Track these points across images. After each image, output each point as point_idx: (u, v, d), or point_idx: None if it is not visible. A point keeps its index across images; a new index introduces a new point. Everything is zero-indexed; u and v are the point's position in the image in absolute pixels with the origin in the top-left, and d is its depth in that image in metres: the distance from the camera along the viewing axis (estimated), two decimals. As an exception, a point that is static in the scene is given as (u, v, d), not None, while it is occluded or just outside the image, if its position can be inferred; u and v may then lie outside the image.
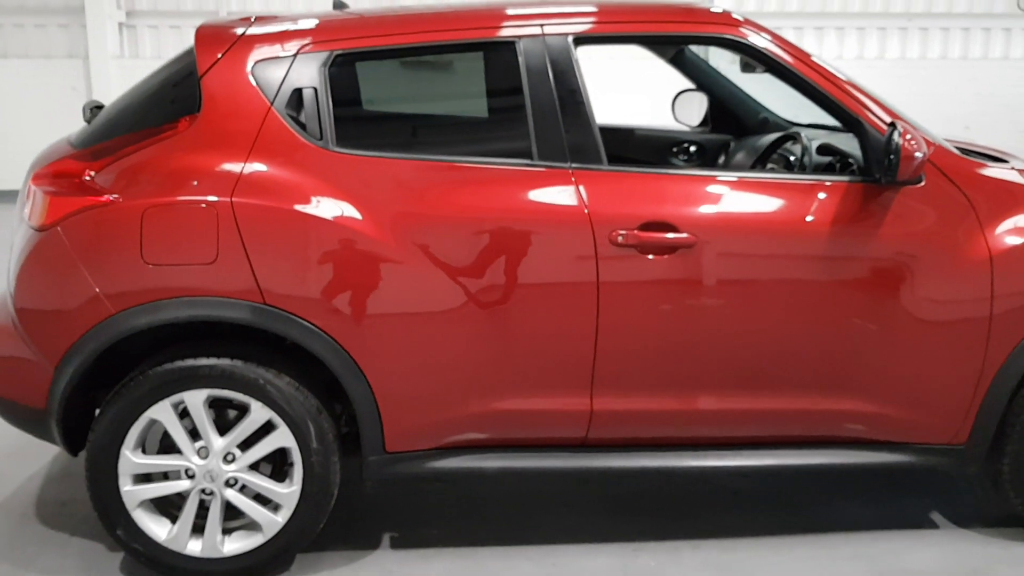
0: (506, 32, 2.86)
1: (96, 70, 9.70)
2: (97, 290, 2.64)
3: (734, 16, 2.94)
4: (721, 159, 4.23)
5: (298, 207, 2.68)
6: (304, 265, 2.69)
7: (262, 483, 2.80)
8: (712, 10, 2.94)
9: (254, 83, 2.77)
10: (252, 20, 2.96)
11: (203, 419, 2.75)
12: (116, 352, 2.77)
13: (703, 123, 4.41)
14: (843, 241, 2.84)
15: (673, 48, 4.09)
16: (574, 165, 2.80)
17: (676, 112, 4.35)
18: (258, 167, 2.70)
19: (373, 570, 2.96)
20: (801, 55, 2.92)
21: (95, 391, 2.94)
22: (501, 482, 3.49)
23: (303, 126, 2.75)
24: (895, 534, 3.19)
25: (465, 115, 3.42)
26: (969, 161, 3.02)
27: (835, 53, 10.29)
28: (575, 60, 2.84)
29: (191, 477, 2.78)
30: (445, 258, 2.73)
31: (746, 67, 3.71)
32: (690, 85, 4.33)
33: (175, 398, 2.72)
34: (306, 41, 2.80)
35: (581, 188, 2.77)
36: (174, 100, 2.91)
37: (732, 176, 2.99)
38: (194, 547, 2.83)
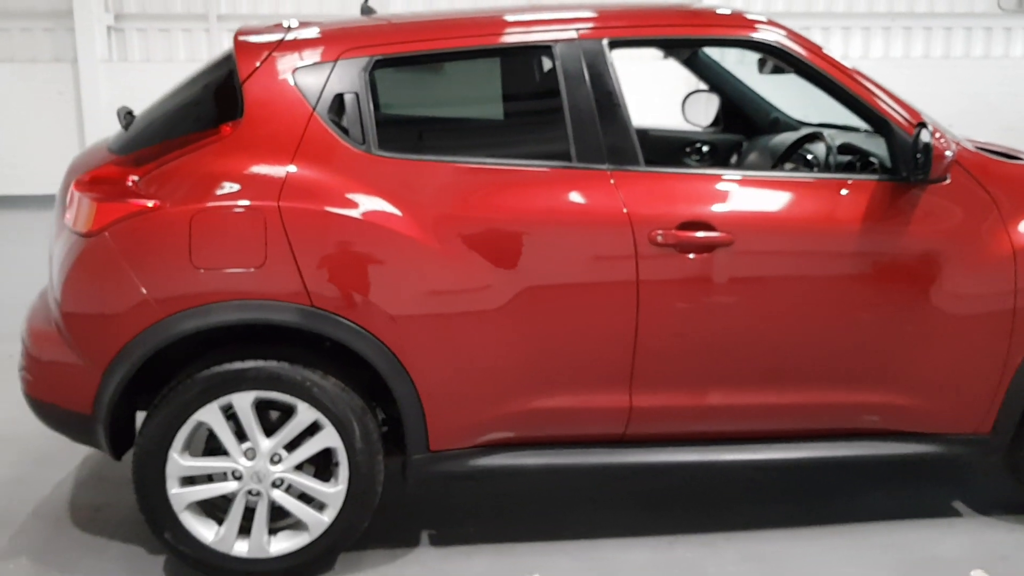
0: (542, 36, 2.91)
1: (84, 74, 9.64)
2: (146, 294, 2.66)
3: (770, 21, 3.01)
4: (733, 159, 4.30)
5: (344, 211, 2.71)
6: (350, 267, 2.72)
7: (309, 483, 2.83)
8: (749, 16, 3.01)
9: (296, 89, 2.80)
10: (289, 26, 2.98)
11: (251, 421, 2.77)
12: (153, 357, 2.78)
13: (715, 123, 4.49)
14: (874, 238, 2.91)
15: (689, 50, 4.15)
16: (612, 166, 2.85)
17: (686, 113, 4.42)
18: (303, 171, 2.73)
19: (416, 567, 3.00)
20: (830, 59, 2.99)
21: (133, 395, 2.96)
22: (531, 480, 3.54)
23: (345, 131, 2.79)
24: (921, 523, 3.27)
25: (504, 118, 3.46)
26: (990, 159, 3.11)
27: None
28: (611, 63, 2.90)
29: (238, 479, 2.81)
30: (488, 259, 2.77)
31: (764, 68, 3.77)
32: (698, 86, 4.40)
33: (223, 401, 2.75)
34: (347, 47, 2.83)
35: (620, 189, 2.83)
36: (214, 106, 2.94)
37: (766, 175, 3.06)
38: (241, 548, 2.85)
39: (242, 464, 2.80)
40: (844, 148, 3.42)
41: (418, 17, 3.08)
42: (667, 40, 3.09)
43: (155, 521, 2.82)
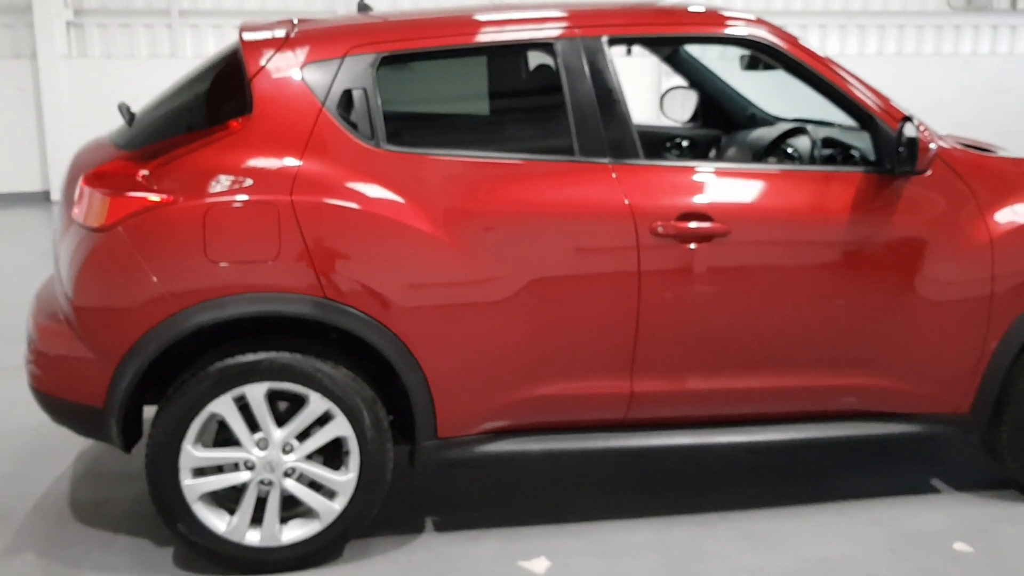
0: (545, 34, 2.99)
1: (44, 70, 9.50)
2: (161, 288, 2.70)
3: (760, 20, 3.13)
4: (712, 153, 4.42)
5: (355, 204, 2.77)
6: (362, 260, 2.78)
7: (322, 472, 2.88)
8: (742, 15, 3.12)
9: (305, 84, 2.84)
10: (295, 22, 3.03)
11: (264, 412, 2.82)
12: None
13: (693, 118, 4.61)
14: (861, 228, 3.05)
15: (670, 47, 4.27)
16: (613, 160, 2.95)
17: (665, 108, 4.54)
18: (314, 166, 2.78)
19: (424, 553, 3.07)
20: (817, 56, 3.12)
21: (141, 389, 2.98)
22: (531, 466, 3.63)
23: (354, 126, 2.84)
24: (904, 499, 3.42)
25: (508, 113, 3.53)
26: (966, 152, 3.27)
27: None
28: (611, 59, 2.99)
29: (250, 468, 2.85)
30: (495, 251, 2.85)
31: (749, 65, 3.89)
32: (668, 83, 4.52)
33: (236, 392, 2.79)
34: (355, 43, 2.89)
35: (621, 181, 2.92)
36: (221, 102, 2.97)
37: (759, 168, 3.18)
38: (253, 537, 2.89)
39: (255, 454, 2.84)
40: (825, 142, 3.56)
41: (422, 14, 3.13)
42: (668, 38, 3.18)
43: (168, 512, 2.85)
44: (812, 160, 3.44)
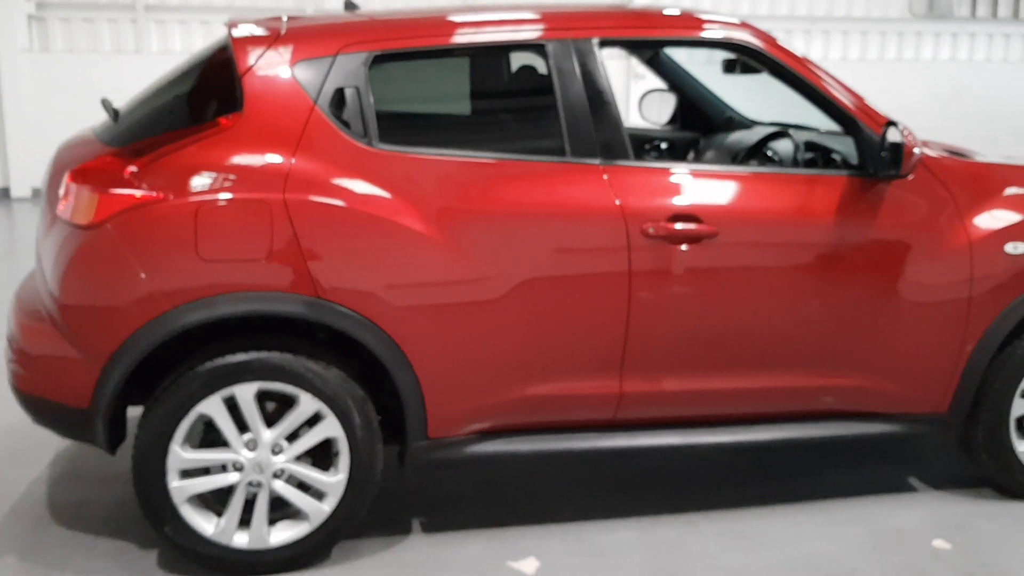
0: (536, 35, 3.01)
1: (5, 64, 9.32)
2: (150, 286, 2.66)
3: (745, 24, 3.17)
4: (690, 156, 4.46)
5: (347, 203, 2.76)
6: (354, 259, 2.77)
7: (311, 473, 2.86)
8: (728, 19, 3.16)
9: (297, 82, 2.82)
10: (285, 19, 3.00)
11: (253, 412, 2.79)
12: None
13: (671, 121, 4.65)
14: (845, 230, 3.10)
15: (651, 51, 4.30)
16: (604, 161, 2.96)
17: (642, 111, 4.58)
18: (306, 164, 2.76)
19: (412, 553, 3.06)
20: (803, 60, 3.17)
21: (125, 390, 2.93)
22: (514, 466, 3.63)
23: (346, 124, 2.83)
24: (882, 498, 3.48)
25: (500, 113, 3.53)
26: (944, 156, 3.34)
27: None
28: (601, 62, 3.01)
29: (239, 470, 2.82)
30: (487, 250, 2.85)
31: (727, 69, 3.93)
32: (650, 86, 4.56)
33: (226, 392, 2.76)
34: (347, 41, 2.87)
35: (612, 183, 2.94)
36: (209, 98, 2.95)
37: (746, 171, 3.21)
38: (241, 540, 2.87)
39: (244, 455, 2.81)
40: (806, 146, 3.61)
41: (412, 13, 3.12)
42: (657, 41, 3.21)
43: (155, 515, 2.81)
44: (795, 163, 3.49)
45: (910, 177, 3.15)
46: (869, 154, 3.14)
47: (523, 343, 2.93)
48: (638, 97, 4.67)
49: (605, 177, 2.94)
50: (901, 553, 3.12)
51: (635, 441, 3.12)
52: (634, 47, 3.64)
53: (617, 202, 2.93)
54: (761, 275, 3.07)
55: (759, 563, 3.04)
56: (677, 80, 4.49)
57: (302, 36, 2.91)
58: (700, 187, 3.05)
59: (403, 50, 2.92)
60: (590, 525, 3.26)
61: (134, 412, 2.94)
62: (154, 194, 2.67)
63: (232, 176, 2.71)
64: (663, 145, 4.51)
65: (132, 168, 2.71)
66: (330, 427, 2.84)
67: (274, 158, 2.75)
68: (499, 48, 3.07)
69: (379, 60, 2.88)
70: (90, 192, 2.69)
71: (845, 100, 3.17)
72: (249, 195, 2.70)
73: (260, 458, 2.82)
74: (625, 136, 2.99)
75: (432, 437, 2.96)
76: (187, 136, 2.78)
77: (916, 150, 3.03)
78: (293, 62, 2.84)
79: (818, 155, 3.58)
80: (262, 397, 2.84)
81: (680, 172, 3.09)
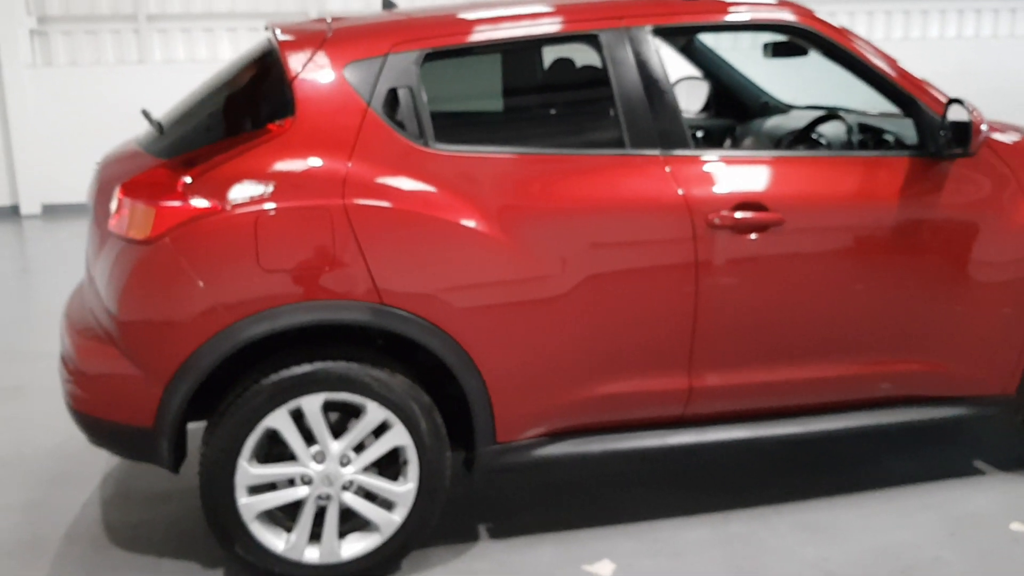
0: (590, 25, 2.93)
1: (8, 80, 9.20)
2: (213, 300, 2.59)
3: (803, 7, 3.10)
4: (727, 142, 4.40)
5: (408, 206, 2.68)
6: (417, 263, 2.69)
7: (381, 484, 2.80)
8: (776, 1, 3.09)
9: (349, 84, 2.75)
10: (330, 21, 2.93)
11: (321, 424, 2.72)
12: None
13: (705, 108, 4.59)
14: (911, 211, 3.03)
15: (686, 38, 4.23)
16: (664, 151, 2.89)
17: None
18: (363, 168, 2.69)
19: (483, 561, 3.00)
20: (861, 42, 3.10)
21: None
22: (570, 468, 3.56)
23: (401, 125, 2.76)
24: (950, 483, 3.42)
25: (555, 107, 3.46)
26: (1004, 133, 3.27)
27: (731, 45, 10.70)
28: (656, 50, 2.93)
29: (307, 483, 2.75)
30: (550, 248, 2.78)
31: (773, 52, 3.86)
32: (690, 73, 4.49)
33: (292, 404, 2.69)
34: (396, 40, 2.80)
35: (674, 173, 2.87)
36: (258, 105, 2.87)
37: (808, 155, 3.14)
38: (312, 555, 2.80)
39: (312, 468, 2.74)
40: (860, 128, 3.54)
41: (454, 9, 3.05)
42: (714, 26, 3.12)
43: (224, 534, 2.75)
44: (849, 146, 3.42)
45: (975, 155, 3.09)
46: (930, 133, 3.07)
47: (589, 341, 2.87)
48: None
49: (667, 169, 2.87)
50: (981, 539, 3.06)
51: (705, 437, 3.05)
52: (689, 33, 3.55)
53: (680, 192, 2.86)
54: (828, 261, 3.00)
55: (838, 555, 2.98)
56: (711, 67, 4.43)
57: (350, 37, 2.83)
58: (763, 174, 2.98)
59: (454, 47, 2.85)
60: (660, 524, 3.19)
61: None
62: (212, 205, 2.59)
63: (289, 183, 2.64)
64: (699, 133, 4.45)
65: (187, 180, 2.64)
66: (398, 436, 2.77)
67: (331, 163, 2.68)
68: (551, 40, 2.99)
69: (430, 58, 2.81)
70: (145, 206, 2.61)
71: (903, 79, 3.09)
72: (308, 202, 2.63)
73: (329, 470, 2.75)
74: (684, 125, 2.92)
75: (500, 441, 2.89)
76: (239, 144, 2.71)
77: (983, 126, 2.96)
78: (343, 64, 2.76)
79: (869, 137, 3.52)
80: (327, 408, 2.77)
81: (741, 159, 3.02)
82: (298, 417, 2.73)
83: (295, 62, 2.77)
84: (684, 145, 2.92)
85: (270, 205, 2.60)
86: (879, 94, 3.18)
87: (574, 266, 2.81)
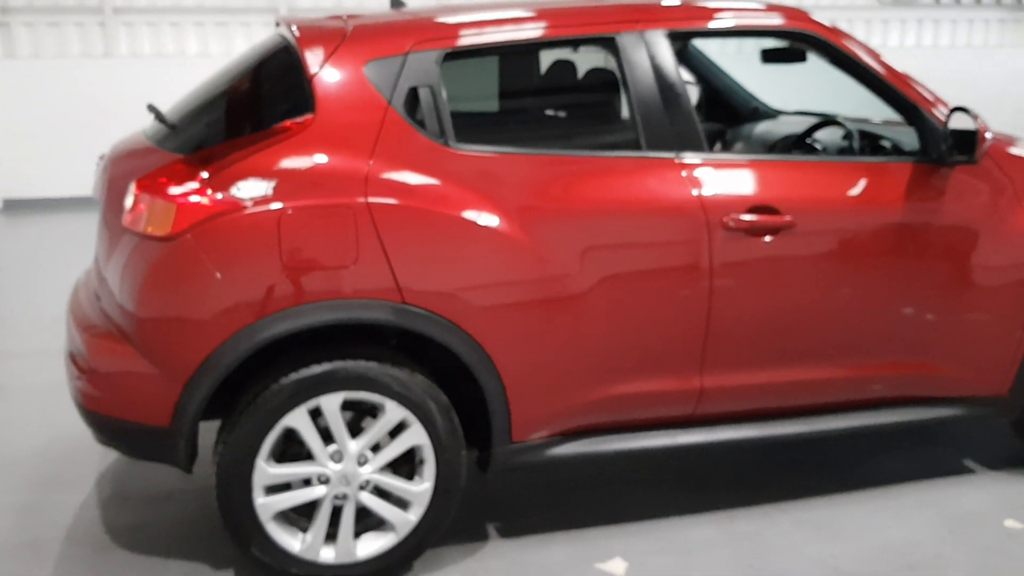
0: (607, 28, 2.95)
1: (-32, 72, 8.97)
2: (235, 298, 2.56)
3: (802, 13, 3.16)
4: (717, 146, 4.46)
5: (429, 205, 2.68)
6: (439, 262, 2.69)
7: (398, 483, 2.79)
8: (784, 8, 3.15)
9: (369, 82, 2.74)
10: (346, 18, 2.91)
11: (339, 423, 2.71)
12: None
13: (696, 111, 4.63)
14: (916, 216, 3.11)
15: (683, 42, 4.27)
16: (679, 153, 2.93)
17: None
18: (385, 166, 2.68)
19: (497, 560, 3.00)
20: (868, 51, 3.17)
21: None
22: (576, 467, 3.58)
23: (421, 123, 2.75)
24: (943, 481, 3.51)
25: (573, 109, 3.47)
26: (1000, 141, 3.36)
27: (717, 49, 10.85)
28: (672, 53, 2.97)
29: (324, 483, 2.74)
30: (568, 248, 2.80)
31: (768, 58, 3.92)
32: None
33: (311, 403, 2.67)
34: (417, 39, 2.79)
35: (690, 175, 2.91)
36: (275, 101, 2.85)
37: (817, 159, 3.20)
38: (327, 555, 2.78)
39: (330, 468, 2.73)
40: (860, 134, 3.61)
41: (470, 8, 3.05)
42: (725, 31, 3.17)
43: (241, 534, 2.71)
44: (850, 151, 3.49)
45: (976, 162, 3.17)
46: (932, 141, 3.15)
47: (605, 341, 2.89)
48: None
49: (684, 174, 2.91)
50: (978, 536, 3.14)
51: (715, 436, 3.09)
52: (703, 37, 3.59)
53: (695, 194, 2.90)
54: (837, 264, 3.06)
55: (843, 553, 3.04)
56: (702, 71, 4.49)
57: (370, 35, 2.82)
58: (775, 177, 3.03)
59: (474, 46, 2.85)
60: (668, 522, 3.23)
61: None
62: (233, 202, 2.56)
63: (311, 181, 2.62)
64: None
65: (205, 175, 2.61)
66: (416, 435, 2.77)
67: (352, 161, 2.66)
68: (570, 42, 3.01)
69: (450, 57, 2.81)
70: (165, 202, 2.57)
71: (909, 88, 3.17)
72: (331, 200, 2.61)
73: (346, 470, 2.73)
74: (699, 128, 2.96)
75: (516, 441, 2.90)
76: (259, 140, 2.68)
77: (988, 134, 3.04)
78: (363, 62, 2.75)
79: (865, 142, 3.59)
80: (344, 407, 2.76)
81: (754, 162, 3.07)
82: (313, 416, 2.71)
83: (314, 59, 2.75)
84: (699, 148, 2.96)
85: (292, 202, 2.58)
86: (883, 101, 3.25)
87: (591, 266, 2.83)
